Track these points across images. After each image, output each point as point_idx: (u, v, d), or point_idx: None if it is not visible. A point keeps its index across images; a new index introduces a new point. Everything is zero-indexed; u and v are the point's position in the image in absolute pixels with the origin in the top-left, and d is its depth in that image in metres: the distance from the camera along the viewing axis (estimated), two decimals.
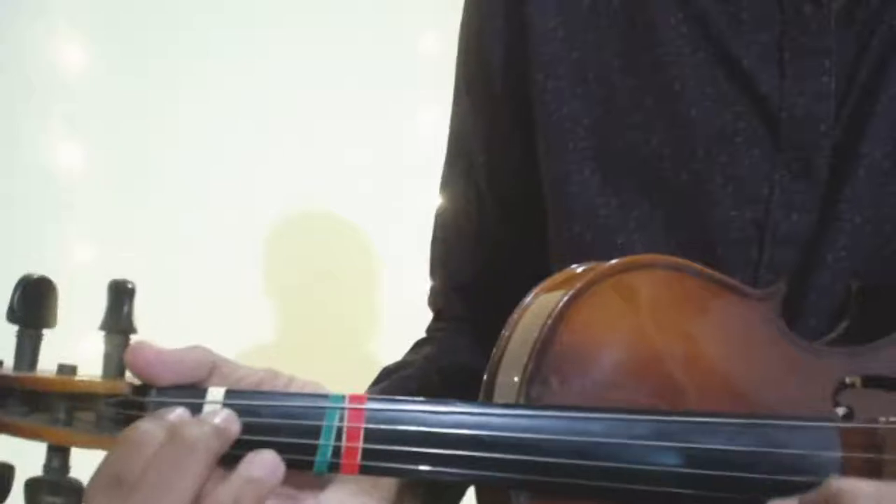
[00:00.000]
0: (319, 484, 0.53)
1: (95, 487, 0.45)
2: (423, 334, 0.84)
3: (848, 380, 0.56)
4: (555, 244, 0.71)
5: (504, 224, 0.77)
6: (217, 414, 0.47)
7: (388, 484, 0.57)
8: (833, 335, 0.62)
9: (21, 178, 1.75)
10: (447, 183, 0.82)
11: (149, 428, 0.45)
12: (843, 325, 0.62)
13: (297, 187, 1.97)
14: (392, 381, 0.74)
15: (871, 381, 0.57)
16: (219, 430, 0.46)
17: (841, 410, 0.55)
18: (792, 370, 0.56)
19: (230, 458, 0.46)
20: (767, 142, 0.65)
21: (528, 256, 0.71)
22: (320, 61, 1.97)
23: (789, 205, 0.64)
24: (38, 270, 0.54)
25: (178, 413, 0.46)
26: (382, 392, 0.71)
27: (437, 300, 0.84)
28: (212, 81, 1.88)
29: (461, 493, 0.68)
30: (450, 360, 0.75)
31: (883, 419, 0.53)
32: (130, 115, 1.81)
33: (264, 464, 0.47)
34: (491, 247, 0.79)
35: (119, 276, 0.56)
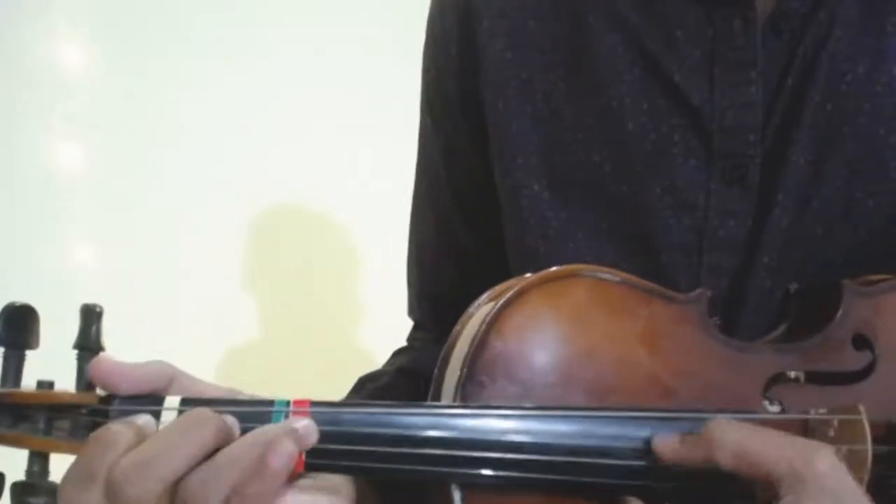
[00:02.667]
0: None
1: (68, 481, 0.52)
2: (409, 330, 0.91)
3: (793, 374, 0.62)
4: (511, 253, 0.77)
5: (471, 236, 0.84)
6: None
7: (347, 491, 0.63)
8: (773, 335, 0.67)
9: (21, 178, 1.80)
10: (417, 197, 0.90)
11: (118, 429, 0.52)
12: (783, 326, 0.67)
13: (297, 187, 2.03)
14: (366, 391, 0.80)
15: (810, 377, 0.62)
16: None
17: (773, 406, 0.61)
18: (721, 368, 0.62)
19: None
20: (702, 152, 0.70)
21: (495, 266, 0.75)
22: (320, 61, 2.04)
23: (725, 211, 0.69)
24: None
25: (145, 418, 0.53)
26: None
27: (414, 311, 0.91)
28: (211, 81, 1.94)
29: None
30: (422, 370, 0.78)
31: (813, 411, 0.59)
32: (130, 115, 1.87)
33: (305, 422, 0.54)
34: (459, 258, 0.85)
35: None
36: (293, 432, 0.53)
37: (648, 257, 0.71)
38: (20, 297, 0.59)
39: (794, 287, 0.68)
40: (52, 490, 0.55)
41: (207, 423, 0.53)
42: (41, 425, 0.55)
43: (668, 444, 0.56)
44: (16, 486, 0.55)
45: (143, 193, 1.88)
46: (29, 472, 0.56)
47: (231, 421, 0.54)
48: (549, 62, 0.74)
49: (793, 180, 0.68)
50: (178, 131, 1.91)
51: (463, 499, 0.56)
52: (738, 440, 0.54)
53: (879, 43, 0.68)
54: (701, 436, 0.55)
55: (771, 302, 0.69)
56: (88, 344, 0.57)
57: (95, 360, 0.55)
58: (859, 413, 0.57)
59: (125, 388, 0.55)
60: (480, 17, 0.76)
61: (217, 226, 1.90)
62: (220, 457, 0.52)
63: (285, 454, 0.52)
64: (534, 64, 0.75)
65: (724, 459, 0.54)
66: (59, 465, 0.57)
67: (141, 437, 0.52)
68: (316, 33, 2.05)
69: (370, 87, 1.98)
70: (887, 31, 0.68)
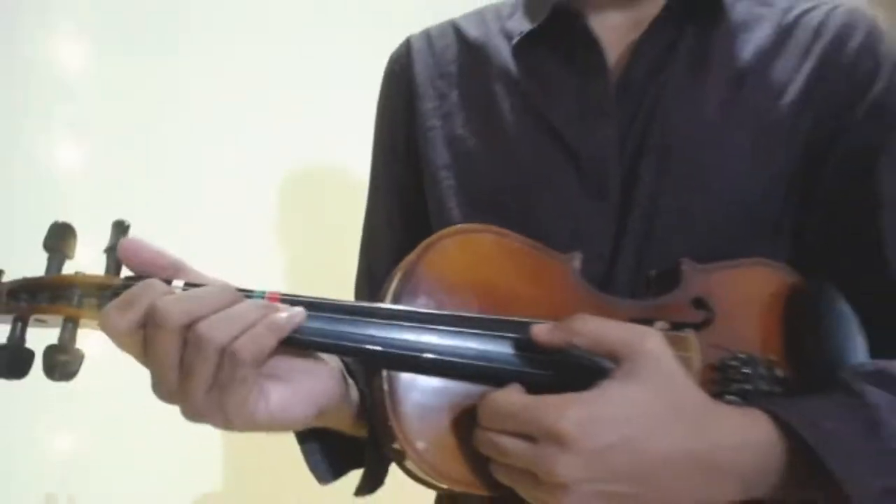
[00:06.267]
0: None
1: (112, 306, 0.75)
2: None
3: (659, 325, 0.90)
4: None
5: (414, 241, 1.09)
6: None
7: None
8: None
9: (21, 178, 1.87)
10: (369, 210, 1.24)
11: (159, 281, 0.77)
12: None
13: (302, 185, 2.15)
14: None
15: (673, 326, 0.91)
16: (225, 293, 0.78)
17: None
18: (589, 308, 0.88)
19: None
20: (575, 176, 1.02)
21: None
22: (322, 61, 2.16)
23: (593, 219, 1.00)
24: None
25: (179, 285, 0.79)
26: None
27: None
28: (214, 81, 2.03)
29: None
30: None
31: (658, 324, 0.90)
32: (131, 115, 1.95)
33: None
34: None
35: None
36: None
37: None
38: None
39: (652, 273, 0.97)
40: (78, 352, 0.77)
41: (233, 291, 0.78)
42: (74, 301, 0.78)
43: (542, 329, 0.82)
44: (49, 348, 0.77)
45: (143, 194, 1.92)
46: (61, 336, 0.78)
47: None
48: (466, 118, 1.11)
49: (642, 195, 0.99)
50: (179, 131, 2.00)
51: (387, 376, 0.82)
52: (590, 327, 0.80)
53: (700, 96, 1.02)
54: (565, 324, 0.81)
55: (636, 285, 0.98)
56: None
57: (126, 238, 0.80)
58: (690, 334, 0.90)
59: (146, 255, 0.79)
60: (418, 85, 1.15)
61: (219, 226, 1.98)
62: (231, 309, 0.76)
63: (287, 315, 0.79)
64: (454, 118, 1.11)
65: (580, 340, 0.80)
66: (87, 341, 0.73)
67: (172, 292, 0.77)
68: (319, 33, 2.17)
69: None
70: (706, 89, 1.02)
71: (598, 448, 0.74)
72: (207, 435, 1.90)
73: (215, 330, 0.74)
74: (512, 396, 0.79)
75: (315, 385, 0.85)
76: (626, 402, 0.76)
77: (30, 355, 0.78)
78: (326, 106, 2.10)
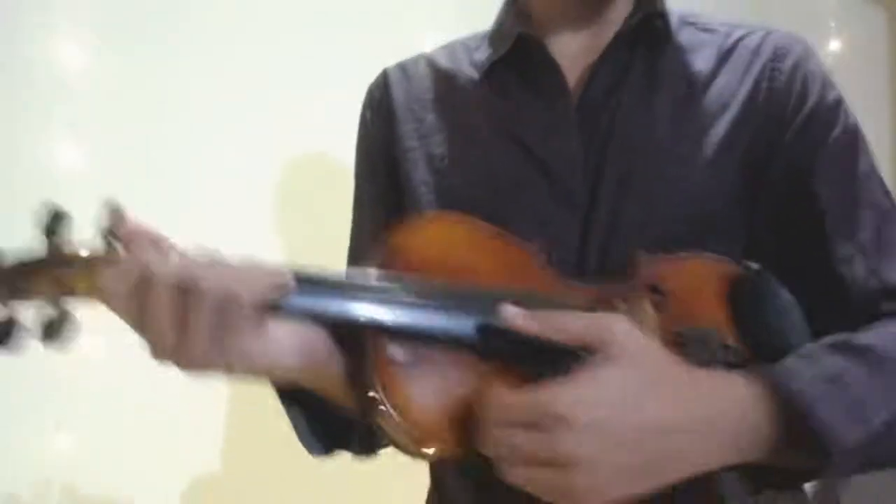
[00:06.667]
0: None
1: (109, 271, 0.83)
2: None
3: (623, 307, 0.98)
4: None
5: None
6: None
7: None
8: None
9: (21, 178, 1.87)
10: (354, 223, 1.35)
11: (150, 249, 0.84)
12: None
13: (300, 185, 2.17)
14: None
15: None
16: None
17: None
18: (551, 289, 0.98)
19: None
20: (545, 186, 1.13)
21: None
22: (322, 61, 2.17)
23: (561, 223, 1.11)
24: None
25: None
26: None
27: None
28: (214, 81, 2.04)
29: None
30: None
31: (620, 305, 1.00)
32: (131, 115, 1.95)
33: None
34: None
35: None
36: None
37: None
38: None
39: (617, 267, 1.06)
40: (73, 320, 0.84)
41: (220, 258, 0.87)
42: (71, 274, 0.86)
43: (516, 314, 0.90)
44: (47, 320, 0.85)
45: (143, 194, 1.77)
46: (58, 309, 0.84)
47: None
48: (442, 138, 1.22)
49: (604, 203, 1.10)
50: (179, 131, 2.01)
51: (372, 344, 0.88)
52: (560, 321, 0.89)
53: (650, 115, 1.14)
54: (540, 314, 0.89)
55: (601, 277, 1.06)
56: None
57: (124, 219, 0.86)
58: (644, 301, 1.00)
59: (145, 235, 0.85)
60: (396, 110, 1.27)
61: (219, 226, 1.91)
62: (223, 266, 0.84)
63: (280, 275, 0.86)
64: (431, 138, 1.23)
65: (555, 335, 0.88)
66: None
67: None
68: (320, 33, 2.18)
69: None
70: (657, 107, 1.15)
71: (594, 421, 0.82)
72: (207, 433, 1.95)
73: (211, 282, 0.82)
74: (508, 398, 0.85)
75: (308, 334, 0.92)
76: (608, 384, 0.84)
77: (21, 329, 0.85)
78: (326, 106, 2.10)
